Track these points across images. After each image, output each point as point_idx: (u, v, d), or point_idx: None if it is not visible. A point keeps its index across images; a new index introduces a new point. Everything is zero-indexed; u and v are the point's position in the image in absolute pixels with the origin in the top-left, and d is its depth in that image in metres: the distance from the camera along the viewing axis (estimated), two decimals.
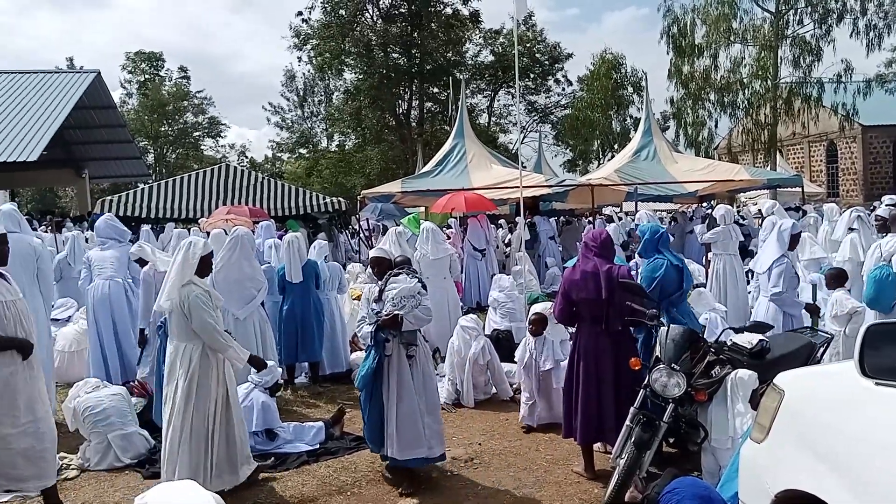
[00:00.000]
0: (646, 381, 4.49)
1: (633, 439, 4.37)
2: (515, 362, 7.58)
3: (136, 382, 6.24)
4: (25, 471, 4.28)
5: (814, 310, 6.72)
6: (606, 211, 25.32)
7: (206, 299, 4.66)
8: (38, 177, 28.10)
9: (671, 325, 4.70)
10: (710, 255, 10.10)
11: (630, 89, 41.67)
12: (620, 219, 23.32)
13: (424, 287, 4.99)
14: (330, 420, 6.07)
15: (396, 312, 4.74)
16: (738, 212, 19.13)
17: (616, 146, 39.51)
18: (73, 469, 5.36)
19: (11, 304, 4.28)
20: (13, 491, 4.36)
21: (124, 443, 5.43)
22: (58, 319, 8.25)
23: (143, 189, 17.03)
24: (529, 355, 6.25)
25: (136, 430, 5.57)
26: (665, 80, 32.08)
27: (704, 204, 21.30)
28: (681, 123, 31.60)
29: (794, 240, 6.60)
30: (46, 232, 11.40)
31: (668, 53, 30.97)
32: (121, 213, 15.84)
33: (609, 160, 27.90)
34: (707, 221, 15.68)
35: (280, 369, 6.12)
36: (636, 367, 4.54)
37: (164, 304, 4.71)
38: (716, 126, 31.54)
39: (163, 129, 49.04)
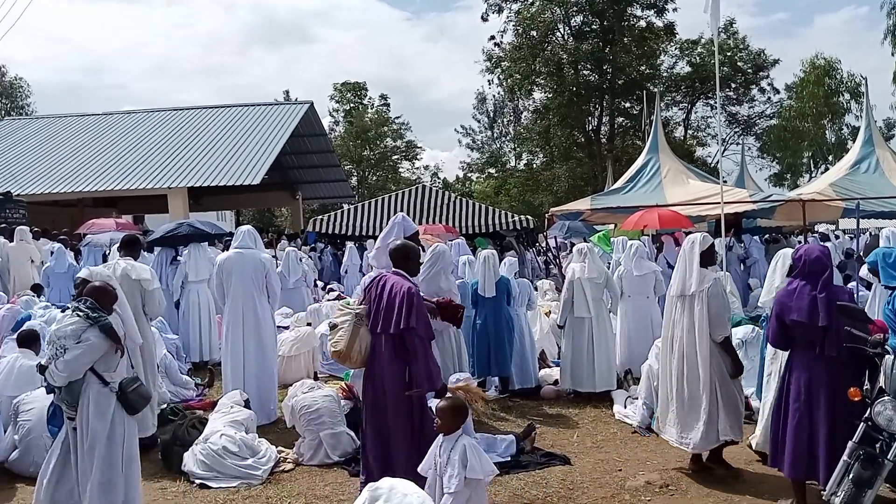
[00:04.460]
0: (867, 415, 4.09)
1: (851, 476, 3.99)
2: None
3: (344, 385, 6.72)
4: None
5: None
6: (820, 228, 23.26)
7: None
8: (260, 198, 31.21)
9: None
10: None
11: (846, 96, 38.13)
12: (837, 237, 21.35)
13: (105, 330, 3.95)
14: (521, 434, 6.17)
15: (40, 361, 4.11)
16: None
17: (830, 158, 36.25)
18: (289, 462, 5.91)
19: None
20: None
21: (334, 441, 5.88)
22: (280, 326, 9.15)
23: (348, 209, 18.47)
24: (434, 465, 3.95)
25: (345, 429, 5.99)
26: (889, 84, 28.94)
27: None
28: None
29: None
30: (267, 248, 12.84)
31: (892, 55, 28.02)
32: (329, 231, 17.54)
33: (822, 173, 25.61)
34: None
35: (474, 381, 6.32)
36: (855, 398, 4.15)
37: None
38: None
39: (365, 153, 52.41)
